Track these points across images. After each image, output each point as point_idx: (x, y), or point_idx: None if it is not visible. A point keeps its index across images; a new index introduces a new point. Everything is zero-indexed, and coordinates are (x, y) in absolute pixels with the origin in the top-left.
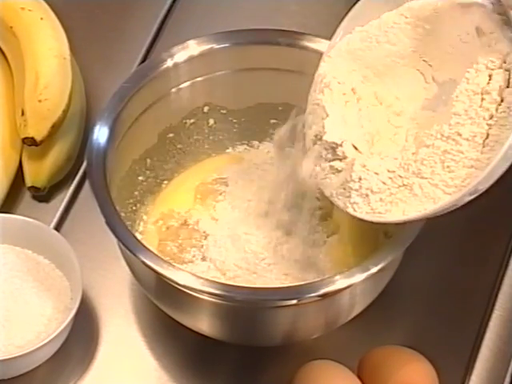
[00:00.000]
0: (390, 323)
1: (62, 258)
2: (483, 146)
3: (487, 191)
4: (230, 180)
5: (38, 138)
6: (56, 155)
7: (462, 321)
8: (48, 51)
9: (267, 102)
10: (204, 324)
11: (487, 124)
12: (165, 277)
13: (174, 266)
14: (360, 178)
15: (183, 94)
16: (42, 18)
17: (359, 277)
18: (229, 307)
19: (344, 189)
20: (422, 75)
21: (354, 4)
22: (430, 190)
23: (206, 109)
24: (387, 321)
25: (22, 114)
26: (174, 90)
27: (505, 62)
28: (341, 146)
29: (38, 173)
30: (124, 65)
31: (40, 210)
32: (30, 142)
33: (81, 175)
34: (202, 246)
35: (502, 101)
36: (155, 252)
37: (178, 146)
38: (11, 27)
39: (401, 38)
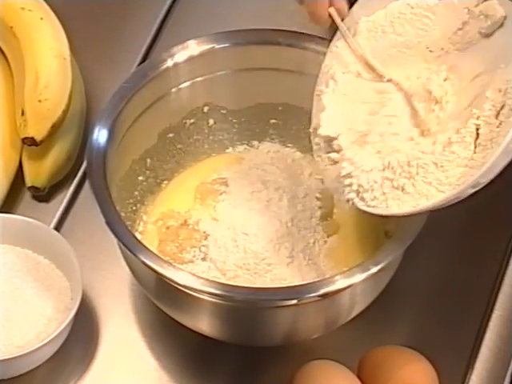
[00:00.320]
0: (389, 323)
1: (62, 258)
2: (475, 146)
3: (487, 191)
4: (230, 180)
5: (38, 138)
6: (56, 155)
7: (461, 321)
8: (48, 51)
9: (267, 102)
10: (204, 324)
11: (475, 124)
12: (165, 277)
13: (174, 266)
14: (350, 175)
15: (183, 94)
16: (42, 18)
17: (359, 277)
18: (229, 307)
19: (339, 182)
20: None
21: None
22: (424, 188)
23: (205, 109)
24: (387, 321)
25: (22, 113)
26: (173, 89)
27: None
28: (336, 139)
29: (38, 173)
30: (124, 65)
31: (40, 210)
32: (29, 142)
33: (81, 175)
34: (202, 246)
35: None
36: (155, 252)
37: (178, 146)
38: (11, 27)
39: (407, 29)
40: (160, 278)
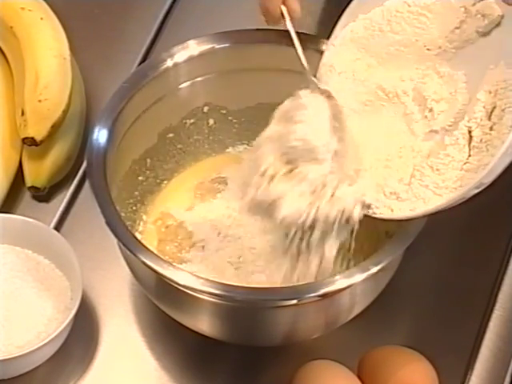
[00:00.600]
0: (389, 323)
1: (62, 258)
2: (470, 149)
3: (487, 191)
4: (230, 179)
5: (38, 137)
6: (56, 155)
7: (462, 321)
8: (48, 51)
9: (267, 102)
10: (204, 324)
11: (466, 126)
12: (165, 277)
13: (174, 266)
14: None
15: (183, 94)
16: (42, 18)
17: (359, 277)
18: (229, 307)
19: None
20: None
21: None
22: (421, 192)
23: (205, 109)
24: (387, 321)
25: (22, 113)
26: (173, 90)
27: None
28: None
29: (38, 173)
30: (124, 65)
31: (40, 210)
32: (29, 142)
33: (81, 175)
34: (201, 245)
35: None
36: (155, 252)
37: (178, 146)
38: (11, 27)
39: (404, 27)
40: (160, 277)
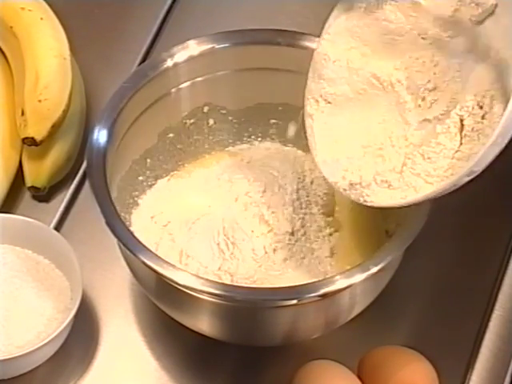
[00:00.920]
0: (390, 323)
1: (62, 258)
2: (461, 137)
3: (488, 191)
4: (230, 177)
5: (38, 137)
6: (56, 155)
7: (462, 321)
8: (48, 51)
9: (267, 102)
10: (204, 324)
11: (458, 114)
12: (165, 277)
13: (174, 266)
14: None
15: (183, 94)
16: (42, 18)
17: (359, 277)
18: (229, 307)
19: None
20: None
21: None
22: (412, 180)
23: (205, 109)
24: (387, 321)
25: (22, 113)
26: (173, 89)
27: None
28: None
29: (38, 173)
30: (124, 65)
31: (40, 210)
32: (29, 142)
33: (81, 175)
34: None
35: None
36: (155, 252)
37: (178, 146)
38: (11, 27)
39: (398, 16)
40: (160, 277)
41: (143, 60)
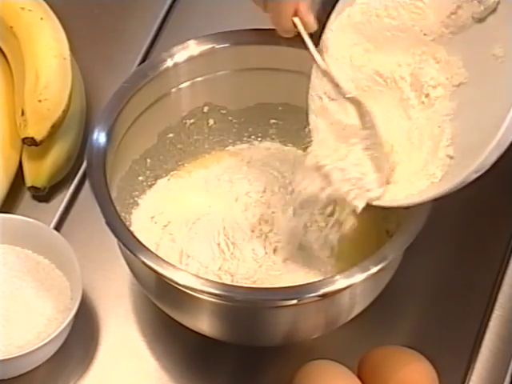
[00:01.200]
0: (390, 323)
1: (62, 258)
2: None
3: (487, 191)
4: (231, 177)
5: (38, 137)
6: (56, 155)
7: (461, 321)
8: (48, 51)
9: (267, 102)
10: (204, 324)
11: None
12: (165, 277)
13: (174, 266)
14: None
15: (183, 94)
16: (42, 18)
17: (359, 277)
18: (229, 307)
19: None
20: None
21: None
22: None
23: (205, 109)
24: (387, 321)
25: (22, 113)
26: (174, 89)
27: None
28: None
29: (38, 173)
30: (124, 65)
31: (40, 210)
32: (29, 142)
33: (81, 175)
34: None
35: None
36: (155, 252)
37: (178, 146)
38: (11, 27)
39: (400, 12)
40: (160, 277)
41: (143, 60)
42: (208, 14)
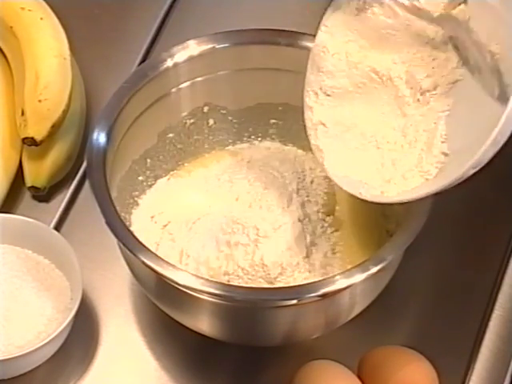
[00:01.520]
0: (390, 323)
1: (62, 258)
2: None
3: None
4: (231, 177)
5: (38, 137)
6: (56, 155)
7: (462, 321)
8: (48, 51)
9: (267, 102)
10: (204, 324)
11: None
12: (165, 277)
13: (174, 266)
14: None
15: (183, 94)
16: (41, 18)
17: (359, 277)
18: (229, 307)
19: None
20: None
21: None
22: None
23: (205, 109)
24: (387, 321)
25: (22, 113)
26: (173, 89)
27: None
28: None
29: (38, 173)
30: (124, 65)
31: (40, 210)
32: (29, 142)
33: (81, 175)
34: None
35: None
36: (155, 252)
37: (178, 146)
38: (11, 27)
39: (396, 11)
40: (160, 277)
41: (143, 60)
42: (208, 14)
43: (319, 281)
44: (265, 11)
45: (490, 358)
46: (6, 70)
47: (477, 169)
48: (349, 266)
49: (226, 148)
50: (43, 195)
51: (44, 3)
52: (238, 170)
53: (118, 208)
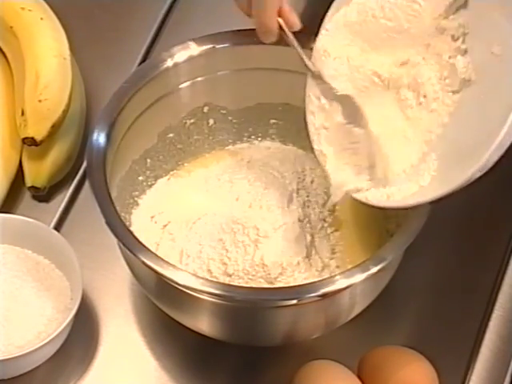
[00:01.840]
0: (390, 323)
1: (62, 258)
2: None
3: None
4: (231, 177)
5: (38, 137)
6: (56, 155)
7: (461, 321)
8: (48, 51)
9: (267, 102)
10: (204, 324)
11: None
12: (165, 277)
13: (174, 266)
14: None
15: (183, 94)
16: (42, 18)
17: (359, 277)
18: (229, 307)
19: None
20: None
21: None
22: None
23: (205, 109)
24: (387, 321)
25: (22, 113)
26: (173, 90)
27: None
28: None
29: (37, 173)
30: (124, 65)
31: (40, 210)
32: (30, 142)
33: (81, 175)
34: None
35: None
36: (155, 252)
37: (178, 146)
38: (11, 27)
39: (397, 14)
40: (160, 277)
41: (143, 60)
42: (208, 14)
43: (319, 281)
44: None
45: (490, 358)
46: (6, 70)
47: (483, 172)
48: (349, 266)
49: (226, 148)
50: (43, 195)
51: (44, 3)
52: (237, 170)
53: (118, 208)
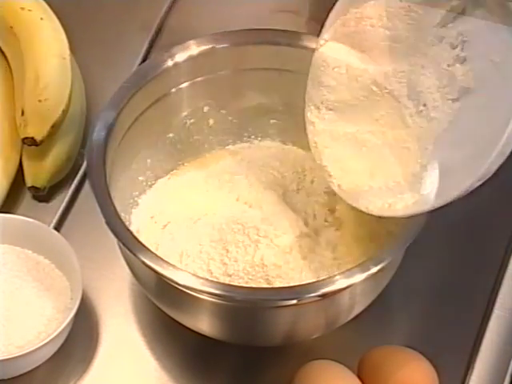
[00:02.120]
0: (390, 323)
1: (62, 258)
2: None
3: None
4: (231, 177)
5: (38, 137)
6: (56, 155)
7: (462, 321)
8: (48, 51)
9: (267, 102)
10: (204, 324)
11: None
12: (165, 277)
13: (174, 266)
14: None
15: (183, 94)
16: (42, 18)
17: (359, 277)
18: (229, 307)
19: None
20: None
21: None
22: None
23: (205, 109)
24: (387, 321)
25: (22, 113)
26: (173, 90)
27: None
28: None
29: (37, 173)
30: (124, 65)
31: (40, 210)
32: (29, 142)
33: (81, 175)
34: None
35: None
36: (155, 252)
37: (178, 146)
38: (11, 27)
39: (395, 23)
40: (160, 277)
41: (143, 60)
42: (208, 14)
43: (319, 281)
44: (265, 11)
45: (490, 358)
46: (6, 70)
47: (483, 180)
48: (349, 266)
49: (226, 148)
50: (43, 195)
51: (44, 3)
52: (238, 170)
53: (118, 208)
